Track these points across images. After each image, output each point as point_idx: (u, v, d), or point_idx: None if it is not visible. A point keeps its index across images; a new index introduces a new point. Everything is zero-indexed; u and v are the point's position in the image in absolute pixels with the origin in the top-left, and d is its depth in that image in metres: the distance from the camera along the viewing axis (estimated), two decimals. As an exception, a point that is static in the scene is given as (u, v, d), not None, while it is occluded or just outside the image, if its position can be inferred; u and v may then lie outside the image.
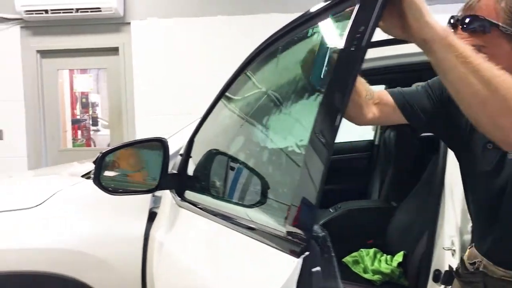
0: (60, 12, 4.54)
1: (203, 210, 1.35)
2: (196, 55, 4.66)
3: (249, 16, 4.62)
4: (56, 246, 1.70)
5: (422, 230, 1.85)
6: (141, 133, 4.73)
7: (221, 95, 1.38)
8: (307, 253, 0.72)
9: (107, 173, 1.46)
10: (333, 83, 0.76)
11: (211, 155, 1.53)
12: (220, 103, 1.40)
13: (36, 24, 4.72)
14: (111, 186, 1.44)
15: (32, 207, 1.76)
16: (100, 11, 4.51)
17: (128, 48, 4.73)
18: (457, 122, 1.08)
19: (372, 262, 2.15)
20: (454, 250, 1.50)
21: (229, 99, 1.39)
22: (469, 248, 1.22)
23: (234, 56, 4.53)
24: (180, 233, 1.43)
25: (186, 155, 1.54)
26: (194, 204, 1.43)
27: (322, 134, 0.74)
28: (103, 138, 6.98)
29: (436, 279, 1.56)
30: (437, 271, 1.57)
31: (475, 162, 1.07)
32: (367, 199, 2.90)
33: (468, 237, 1.51)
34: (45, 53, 4.83)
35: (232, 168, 1.31)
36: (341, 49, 0.75)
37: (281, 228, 0.83)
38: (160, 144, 1.47)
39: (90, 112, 7.16)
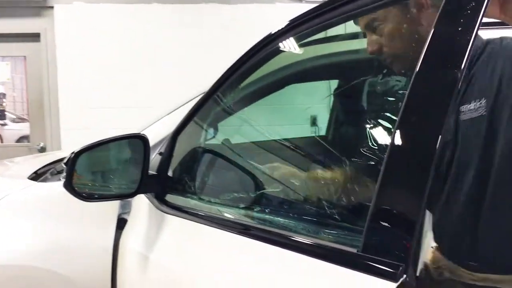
0: (-29, -8, 4.03)
1: (194, 215, 1.21)
2: (126, 44, 4.35)
3: (186, 5, 4.40)
4: (5, 262, 1.45)
5: None
6: (67, 128, 4.34)
7: (215, 90, 1.23)
8: (404, 276, 0.60)
9: (78, 176, 1.25)
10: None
11: (198, 154, 1.38)
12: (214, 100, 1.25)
13: None
14: (84, 191, 1.23)
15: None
16: (19, -8, 4.06)
17: (51, 34, 4.30)
18: None
19: None
20: None
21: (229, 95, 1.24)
22: None
23: (166, 46, 4.35)
24: (168, 242, 1.26)
25: (169, 155, 1.37)
26: (180, 208, 1.28)
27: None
28: (12, 133, 6.37)
29: None
30: None
31: None
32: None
33: None
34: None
35: (237, 169, 1.17)
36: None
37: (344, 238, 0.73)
38: (140, 141, 1.29)
39: (-4, 104, 6.50)
